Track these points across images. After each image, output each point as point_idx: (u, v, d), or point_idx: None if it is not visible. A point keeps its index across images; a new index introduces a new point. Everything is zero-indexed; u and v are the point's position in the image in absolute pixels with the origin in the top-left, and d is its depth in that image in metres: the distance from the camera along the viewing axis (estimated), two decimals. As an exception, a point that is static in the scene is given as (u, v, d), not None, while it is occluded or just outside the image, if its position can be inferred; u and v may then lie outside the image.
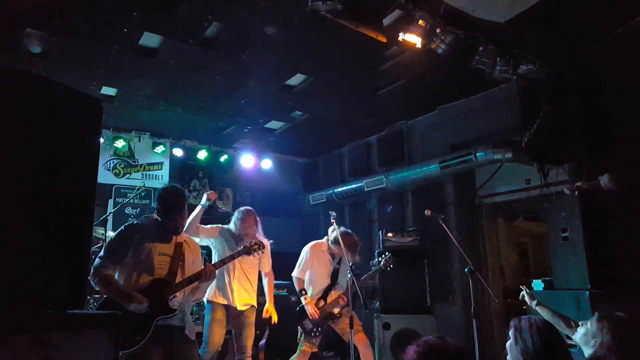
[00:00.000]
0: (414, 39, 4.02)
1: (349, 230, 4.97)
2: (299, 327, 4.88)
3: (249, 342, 4.55)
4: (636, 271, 3.64)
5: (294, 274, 5.03)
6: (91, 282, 2.97)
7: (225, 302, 4.50)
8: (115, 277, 3.11)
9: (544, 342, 2.14)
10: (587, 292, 3.63)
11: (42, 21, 4.35)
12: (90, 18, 4.33)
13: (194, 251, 3.51)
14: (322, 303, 4.92)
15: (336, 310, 4.91)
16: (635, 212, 3.78)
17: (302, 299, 4.87)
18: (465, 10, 3.88)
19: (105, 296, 3.10)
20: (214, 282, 4.25)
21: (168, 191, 3.37)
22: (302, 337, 4.85)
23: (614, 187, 3.97)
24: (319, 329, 4.86)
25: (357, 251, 4.88)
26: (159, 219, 3.32)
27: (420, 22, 3.94)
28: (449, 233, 4.58)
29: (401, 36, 4.03)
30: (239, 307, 4.52)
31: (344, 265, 4.95)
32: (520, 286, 3.64)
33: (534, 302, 3.39)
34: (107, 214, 6.28)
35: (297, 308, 4.95)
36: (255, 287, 4.73)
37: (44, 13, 4.19)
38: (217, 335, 4.43)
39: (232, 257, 3.99)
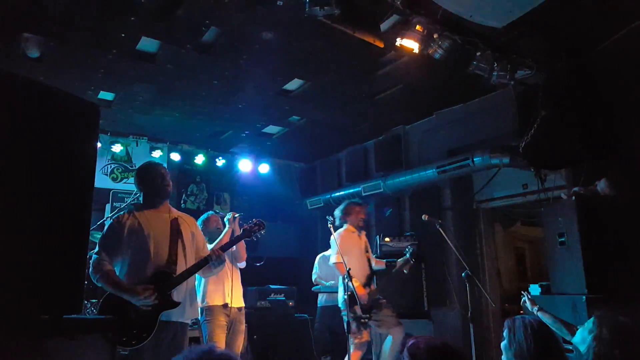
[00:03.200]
0: (411, 44, 4.03)
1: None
2: (348, 315, 4.29)
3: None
4: (633, 276, 3.65)
5: (332, 260, 4.72)
6: (92, 280, 2.93)
7: (223, 303, 4.26)
8: (117, 273, 3.02)
9: (539, 345, 2.08)
10: (584, 297, 3.63)
11: (40, 26, 4.35)
12: (88, 23, 4.33)
13: (191, 225, 3.40)
14: (368, 289, 4.64)
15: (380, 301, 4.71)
16: (632, 217, 3.79)
17: (351, 283, 4.22)
18: (463, 16, 3.90)
19: (108, 292, 2.99)
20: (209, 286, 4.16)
21: (146, 166, 3.45)
22: (355, 325, 4.44)
23: (611, 192, 3.98)
24: (368, 316, 4.51)
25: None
26: (142, 200, 3.28)
27: (418, 27, 3.95)
28: (447, 238, 4.58)
29: (398, 41, 4.05)
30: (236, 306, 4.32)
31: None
32: (522, 292, 3.58)
33: (536, 308, 3.31)
34: (105, 218, 6.25)
35: (344, 296, 4.48)
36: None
37: (42, 17, 4.18)
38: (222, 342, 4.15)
39: (232, 243, 3.70)
